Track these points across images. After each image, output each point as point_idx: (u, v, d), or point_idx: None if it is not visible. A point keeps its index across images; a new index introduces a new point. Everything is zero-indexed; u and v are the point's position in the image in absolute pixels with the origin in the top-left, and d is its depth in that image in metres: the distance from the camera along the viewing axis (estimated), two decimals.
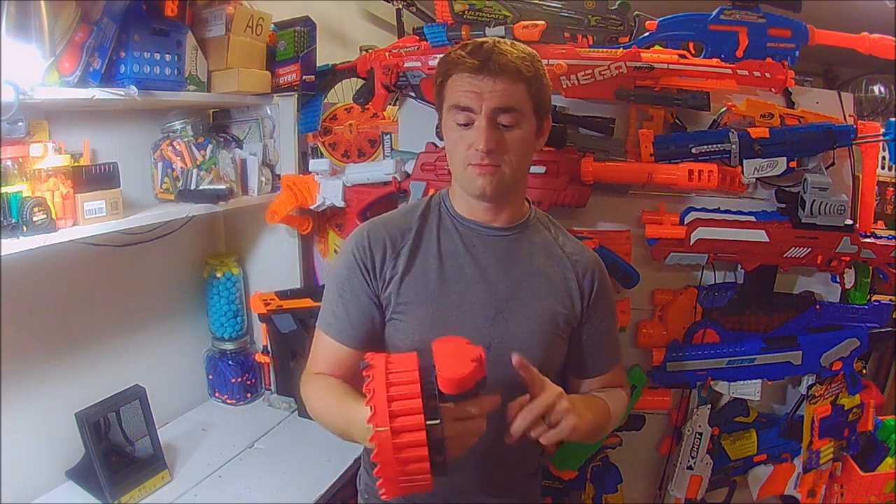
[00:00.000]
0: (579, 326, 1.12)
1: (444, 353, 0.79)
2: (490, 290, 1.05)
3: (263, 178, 1.75)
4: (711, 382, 1.61)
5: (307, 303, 1.74)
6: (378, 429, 0.73)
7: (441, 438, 0.74)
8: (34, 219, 1.12)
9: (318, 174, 1.75)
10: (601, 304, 1.13)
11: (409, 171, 1.64)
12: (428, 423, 0.73)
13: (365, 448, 1.18)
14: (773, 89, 1.56)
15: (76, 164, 1.29)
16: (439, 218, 1.10)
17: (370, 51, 1.77)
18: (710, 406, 1.62)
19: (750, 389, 1.62)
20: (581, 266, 1.11)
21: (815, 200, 1.48)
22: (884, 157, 1.78)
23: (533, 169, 1.51)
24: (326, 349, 1.08)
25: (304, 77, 1.71)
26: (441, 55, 1.05)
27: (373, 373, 0.77)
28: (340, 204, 1.72)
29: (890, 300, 1.63)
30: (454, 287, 1.05)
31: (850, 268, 1.59)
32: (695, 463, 1.62)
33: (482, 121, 0.97)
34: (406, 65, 1.61)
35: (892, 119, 1.53)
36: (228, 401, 1.88)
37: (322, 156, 1.87)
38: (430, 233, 1.09)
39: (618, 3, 1.64)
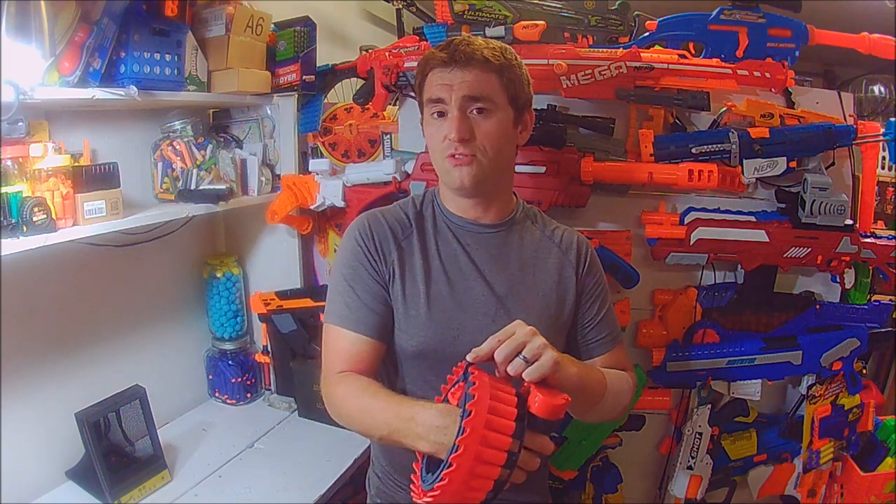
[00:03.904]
0: (576, 309, 1.12)
1: (539, 385, 0.81)
2: (488, 287, 1.06)
3: (263, 178, 1.75)
4: (711, 382, 1.61)
5: (307, 303, 1.74)
6: (467, 446, 0.74)
7: (513, 464, 0.76)
8: (34, 219, 1.12)
9: (318, 174, 1.75)
10: (592, 280, 1.13)
11: (409, 171, 1.64)
12: (509, 450, 0.75)
13: (379, 451, 1.17)
14: (773, 89, 1.56)
15: (76, 164, 1.29)
16: (433, 217, 1.11)
17: (370, 51, 1.77)
18: (710, 406, 1.62)
19: (750, 389, 1.62)
20: (573, 251, 1.13)
21: (815, 200, 1.49)
22: (884, 157, 1.78)
23: (533, 169, 1.52)
24: (344, 342, 1.03)
25: (304, 77, 1.71)
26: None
27: (477, 392, 0.77)
28: (340, 204, 1.72)
29: (890, 300, 1.64)
30: (455, 287, 1.06)
31: (850, 268, 1.60)
32: (695, 463, 1.62)
33: (453, 110, 0.99)
34: (406, 65, 1.61)
35: (892, 119, 1.53)
36: (228, 401, 1.87)
37: (322, 156, 1.86)
38: (426, 232, 1.10)
39: (618, 3, 1.64)
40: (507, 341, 0.82)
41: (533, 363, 0.81)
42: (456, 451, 0.74)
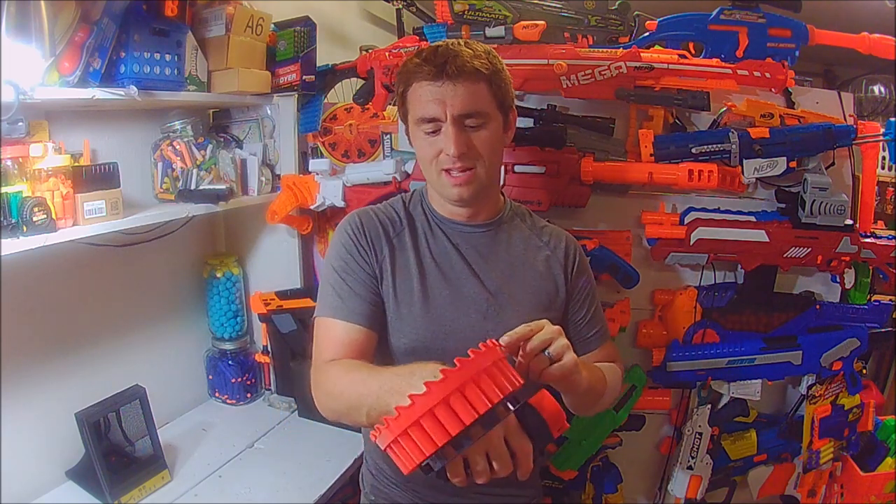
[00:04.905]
0: (566, 306, 1.14)
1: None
2: (479, 284, 1.07)
3: (263, 178, 1.75)
4: (711, 382, 1.61)
5: (307, 303, 1.74)
6: (427, 392, 0.68)
7: (454, 452, 0.69)
8: (34, 219, 1.12)
9: (318, 174, 1.75)
10: (582, 280, 1.16)
11: (409, 171, 1.64)
12: (458, 435, 0.67)
13: (373, 447, 1.14)
14: (773, 89, 1.56)
15: (76, 164, 1.29)
16: (423, 216, 1.13)
17: (370, 51, 1.77)
18: (710, 406, 1.62)
19: (750, 389, 1.62)
20: (561, 250, 1.15)
21: (815, 200, 1.49)
22: (884, 157, 1.78)
23: (533, 169, 1.52)
24: (338, 332, 1.01)
25: (304, 77, 1.71)
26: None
27: (485, 347, 0.72)
28: (340, 204, 1.72)
29: (890, 300, 1.64)
30: (447, 284, 1.07)
31: (850, 268, 1.60)
32: (695, 463, 1.62)
33: (449, 127, 0.98)
34: None
35: (892, 119, 1.53)
36: (228, 401, 1.87)
37: (322, 156, 1.86)
38: (417, 231, 1.11)
39: (618, 3, 1.64)
40: (539, 332, 0.82)
41: (555, 362, 0.82)
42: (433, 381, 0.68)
